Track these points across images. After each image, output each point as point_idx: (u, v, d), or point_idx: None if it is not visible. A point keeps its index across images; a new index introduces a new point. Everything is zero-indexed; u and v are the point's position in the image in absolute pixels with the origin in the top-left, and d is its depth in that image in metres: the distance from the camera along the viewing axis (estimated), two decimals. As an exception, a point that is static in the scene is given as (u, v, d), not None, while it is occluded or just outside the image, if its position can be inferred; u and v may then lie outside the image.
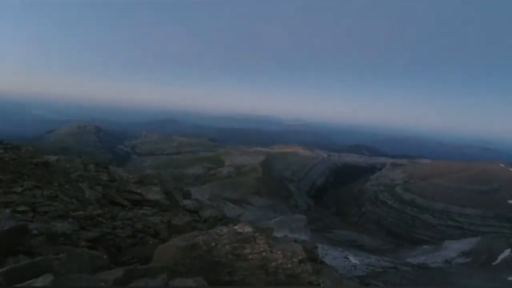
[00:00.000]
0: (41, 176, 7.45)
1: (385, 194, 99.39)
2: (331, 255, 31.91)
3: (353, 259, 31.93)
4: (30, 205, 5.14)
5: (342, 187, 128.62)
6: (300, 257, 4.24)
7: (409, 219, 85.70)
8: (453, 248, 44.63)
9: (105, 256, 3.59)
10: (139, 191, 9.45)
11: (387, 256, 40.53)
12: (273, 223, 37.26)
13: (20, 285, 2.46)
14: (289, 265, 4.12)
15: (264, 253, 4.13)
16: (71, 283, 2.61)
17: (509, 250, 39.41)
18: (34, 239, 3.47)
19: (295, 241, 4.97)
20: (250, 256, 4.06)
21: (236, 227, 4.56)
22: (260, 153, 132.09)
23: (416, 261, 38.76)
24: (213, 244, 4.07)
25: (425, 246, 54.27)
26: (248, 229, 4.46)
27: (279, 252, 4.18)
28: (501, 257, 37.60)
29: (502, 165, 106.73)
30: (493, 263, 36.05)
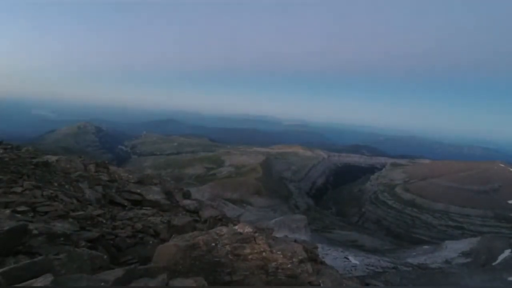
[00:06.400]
0: (41, 176, 7.45)
1: (385, 194, 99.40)
2: (331, 255, 31.89)
3: (353, 259, 31.92)
4: (30, 205, 5.14)
5: (342, 187, 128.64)
6: (300, 257, 4.24)
7: (409, 219, 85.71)
8: (453, 248, 44.61)
9: (105, 256, 3.58)
10: (139, 191, 9.45)
11: (387, 256, 40.53)
12: (273, 223, 37.24)
13: (20, 285, 2.46)
14: (289, 265, 4.12)
15: (264, 253, 4.13)
16: (71, 283, 2.61)
17: (509, 250, 39.38)
18: (34, 239, 3.47)
19: (295, 241, 4.97)
20: (250, 256, 4.06)
21: (236, 227, 4.56)
22: (260, 153, 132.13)
23: (416, 261, 38.75)
24: (213, 244, 4.07)
25: (425, 246, 54.25)
26: (248, 229, 4.46)
27: (279, 252, 4.18)
28: (501, 257, 37.58)
29: (502, 165, 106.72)
30: (493, 263, 36.03)
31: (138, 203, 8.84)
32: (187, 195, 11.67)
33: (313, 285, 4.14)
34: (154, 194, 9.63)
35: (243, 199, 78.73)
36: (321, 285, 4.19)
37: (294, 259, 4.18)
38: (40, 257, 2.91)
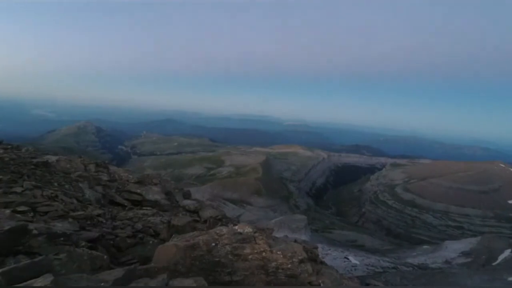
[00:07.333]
0: (41, 176, 7.45)
1: (385, 194, 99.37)
2: (331, 255, 31.90)
3: (353, 259, 31.92)
4: (30, 205, 5.14)
5: (342, 187, 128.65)
6: (300, 257, 4.23)
7: (409, 219, 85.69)
8: (453, 248, 44.59)
9: (105, 256, 3.59)
10: (139, 191, 9.44)
11: (387, 256, 40.51)
12: (273, 223, 37.25)
13: (20, 285, 2.46)
14: (289, 265, 4.12)
15: (264, 253, 4.13)
16: (71, 283, 2.61)
17: (509, 250, 39.36)
18: (34, 239, 3.47)
19: (295, 241, 4.98)
20: (250, 256, 4.06)
21: (236, 227, 4.56)
22: (260, 153, 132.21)
23: (416, 261, 38.74)
24: (213, 244, 4.07)
25: (425, 246, 54.23)
26: (248, 229, 4.46)
27: (279, 252, 4.18)
28: (501, 257, 37.56)
29: (502, 165, 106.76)
30: (493, 263, 36.01)
31: (138, 203, 8.84)
32: (187, 195, 11.67)
33: (313, 285, 4.14)
34: (154, 194, 9.63)
35: (243, 199, 78.73)
36: (321, 285, 4.19)
37: (294, 259, 4.18)
38: (40, 257, 2.91)
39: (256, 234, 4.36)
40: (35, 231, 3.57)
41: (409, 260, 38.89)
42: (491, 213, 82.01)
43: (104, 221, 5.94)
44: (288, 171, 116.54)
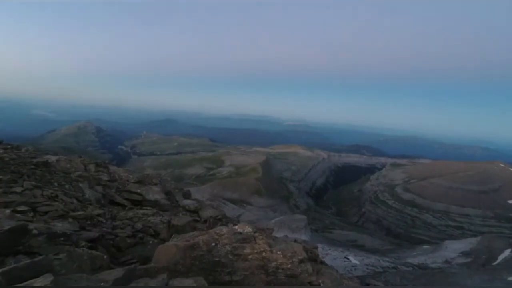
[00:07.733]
0: (41, 176, 7.45)
1: (385, 194, 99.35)
2: (331, 255, 31.90)
3: (353, 259, 31.92)
4: (30, 205, 5.14)
5: (342, 187, 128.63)
6: (300, 257, 4.23)
7: (409, 219, 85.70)
8: (453, 248, 44.59)
9: (105, 256, 3.58)
10: (139, 191, 9.44)
11: (387, 256, 40.51)
12: (273, 223, 37.26)
13: (20, 285, 2.46)
14: (289, 265, 4.11)
15: (264, 253, 4.13)
16: (71, 283, 2.61)
17: (509, 250, 39.35)
18: (34, 239, 3.47)
19: (295, 241, 4.97)
20: (250, 256, 4.06)
21: (236, 227, 4.56)
22: (260, 153, 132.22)
23: (416, 261, 38.74)
24: (213, 244, 4.07)
25: (425, 246, 54.24)
26: (248, 229, 4.46)
27: (279, 252, 4.18)
28: (501, 257, 37.56)
29: (502, 165, 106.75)
30: (493, 263, 36.01)
31: (138, 203, 8.84)
32: (187, 195, 11.67)
33: (313, 285, 4.14)
34: (154, 194, 9.63)
35: (243, 199, 78.72)
36: (321, 285, 4.19)
37: (294, 259, 4.18)
38: (40, 257, 2.91)
39: (256, 234, 4.36)
40: (35, 231, 3.56)
41: (409, 260, 38.90)
42: (491, 213, 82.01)
43: (104, 221, 5.95)
44: (288, 171, 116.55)
